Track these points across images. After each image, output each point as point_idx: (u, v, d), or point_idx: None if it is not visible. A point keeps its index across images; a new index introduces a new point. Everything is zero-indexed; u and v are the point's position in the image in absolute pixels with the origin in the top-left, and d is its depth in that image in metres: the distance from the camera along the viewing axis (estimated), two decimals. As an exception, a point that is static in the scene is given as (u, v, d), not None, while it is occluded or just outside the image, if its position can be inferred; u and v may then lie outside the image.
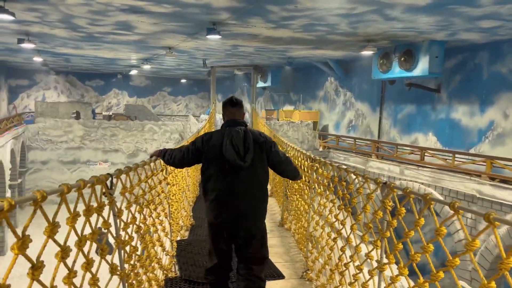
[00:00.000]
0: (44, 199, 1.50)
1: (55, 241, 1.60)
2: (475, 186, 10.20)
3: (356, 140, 16.01)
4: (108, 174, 2.36)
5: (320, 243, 4.32)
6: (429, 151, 12.59)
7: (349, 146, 16.47)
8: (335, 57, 16.52)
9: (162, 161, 3.83)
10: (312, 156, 4.76)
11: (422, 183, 11.75)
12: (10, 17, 8.61)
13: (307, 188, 4.87)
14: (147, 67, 21.16)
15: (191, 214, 6.48)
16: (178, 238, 5.53)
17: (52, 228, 1.56)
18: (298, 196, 5.56)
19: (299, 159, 5.48)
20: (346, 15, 9.07)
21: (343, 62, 17.43)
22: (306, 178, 4.96)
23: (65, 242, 1.68)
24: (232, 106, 3.33)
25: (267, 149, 3.25)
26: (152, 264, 3.65)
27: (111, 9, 9.27)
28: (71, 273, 1.75)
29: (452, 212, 1.86)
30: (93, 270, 2.04)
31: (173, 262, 4.54)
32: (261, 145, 3.21)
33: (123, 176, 2.70)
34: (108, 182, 2.39)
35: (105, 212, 2.35)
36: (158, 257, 3.91)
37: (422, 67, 11.79)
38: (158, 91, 32.40)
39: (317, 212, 4.45)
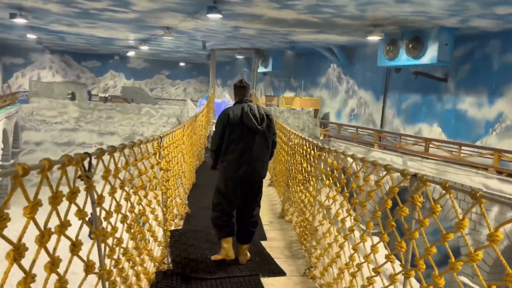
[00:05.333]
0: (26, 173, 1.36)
1: (36, 223, 1.46)
2: (482, 180, 9.86)
3: (358, 129, 15.61)
4: (86, 153, 1.94)
5: (327, 239, 3.95)
6: (434, 142, 12.21)
7: (350, 135, 16.08)
8: (339, 43, 15.99)
9: (154, 144, 3.82)
10: (319, 144, 4.35)
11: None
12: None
13: (313, 179, 4.48)
14: (145, 48, 20.57)
15: (187, 202, 6.09)
16: (172, 228, 5.15)
17: (32, 207, 1.41)
18: (302, 187, 5.17)
19: (304, 147, 5.07)
20: (356, -5, 8.58)
21: (347, 48, 16.91)
22: (312, 168, 4.56)
23: (45, 225, 1.50)
24: (243, 87, 4.17)
25: (272, 121, 4.17)
26: (142, 257, 3.27)
27: (106, -18, 8.74)
28: (28, 277, 1.37)
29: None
30: (63, 269, 1.66)
31: (166, 253, 4.17)
32: (269, 117, 4.11)
33: (105, 158, 2.29)
34: (86, 164, 1.97)
35: (82, 199, 1.95)
36: (148, 248, 3.53)
37: (430, 55, 11.33)
38: (156, 74, 31.74)
39: (324, 206, 4.06)
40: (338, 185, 3.72)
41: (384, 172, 2.65)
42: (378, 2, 8.98)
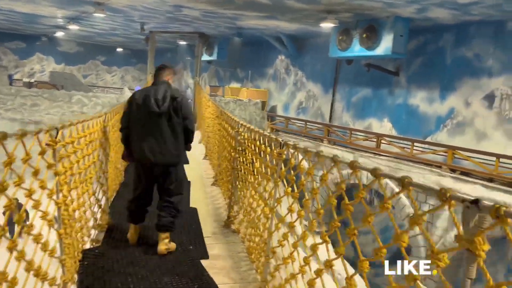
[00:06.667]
0: None
1: None
2: (435, 178, 9.47)
3: (307, 123, 14.93)
4: None
5: (288, 267, 2.96)
6: (386, 138, 11.76)
7: (299, 129, 15.37)
8: (289, 31, 15.14)
9: (47, 137, 2.80)
10: (280, 139, 3.33)
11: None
12: None
13: (269, 184, 3.46)
14: (75, 28, 18.43)
15: (108, 211, 4.83)
16: (88, 246, 3.95)
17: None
18: (253, 191, 4.14)
19: (257, 143, 4.05)
20: (312, -27, 7.67)
21: (297, 38, 16.13)
22: (269, 170, 3.55)
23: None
24: (158, 69, 4.06)
25: (182, 104, 3.91)
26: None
27: None
28: None
29: None
30: None
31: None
32: (176, 100, 3.88)
33: None
34: None
35: None
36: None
37: (385, 45, 10.79)
38: (90, 60, 29.18)
39: (284, 222, 3.07)
40: (307, 196, 2.74)
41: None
42: (336, -17, 8.17)
